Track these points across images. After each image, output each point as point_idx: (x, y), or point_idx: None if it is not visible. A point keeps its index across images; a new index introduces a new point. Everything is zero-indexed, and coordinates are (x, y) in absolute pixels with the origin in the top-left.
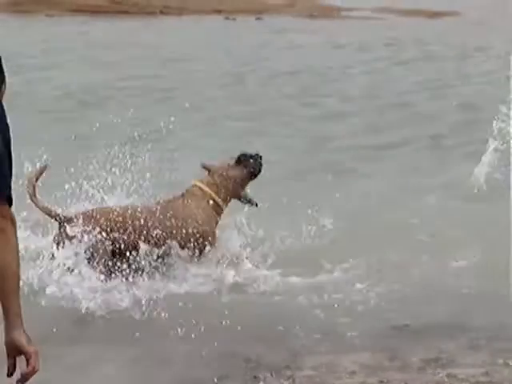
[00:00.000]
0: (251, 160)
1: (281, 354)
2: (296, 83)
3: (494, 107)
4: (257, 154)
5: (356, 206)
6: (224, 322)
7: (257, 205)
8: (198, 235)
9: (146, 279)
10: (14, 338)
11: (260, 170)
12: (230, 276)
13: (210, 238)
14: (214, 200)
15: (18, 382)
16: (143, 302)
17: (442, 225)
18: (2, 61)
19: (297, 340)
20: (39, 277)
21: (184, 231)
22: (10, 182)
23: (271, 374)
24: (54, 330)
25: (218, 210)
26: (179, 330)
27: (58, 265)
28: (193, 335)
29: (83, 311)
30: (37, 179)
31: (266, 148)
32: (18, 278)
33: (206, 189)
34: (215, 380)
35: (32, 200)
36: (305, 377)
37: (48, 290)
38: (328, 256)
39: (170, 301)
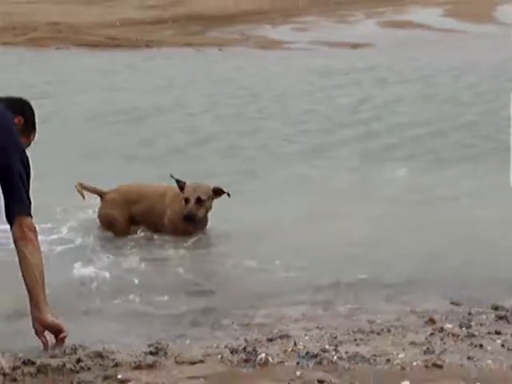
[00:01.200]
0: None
1: (240, 308)
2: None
3: None
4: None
5: None
6: (197, 285)
7: None
8: None
9: None
10: (46, 319)
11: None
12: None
13: None
14: None
15: (55, 345)
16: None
17: None
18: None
19: (252, 296)
20: None
21: None
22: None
23: (232, 322)
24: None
25: None
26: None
27: None
28: (166, 297)
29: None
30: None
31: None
32: (44, 275)
33: None
34: (188, 328)
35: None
36: (259, 324)
37: None
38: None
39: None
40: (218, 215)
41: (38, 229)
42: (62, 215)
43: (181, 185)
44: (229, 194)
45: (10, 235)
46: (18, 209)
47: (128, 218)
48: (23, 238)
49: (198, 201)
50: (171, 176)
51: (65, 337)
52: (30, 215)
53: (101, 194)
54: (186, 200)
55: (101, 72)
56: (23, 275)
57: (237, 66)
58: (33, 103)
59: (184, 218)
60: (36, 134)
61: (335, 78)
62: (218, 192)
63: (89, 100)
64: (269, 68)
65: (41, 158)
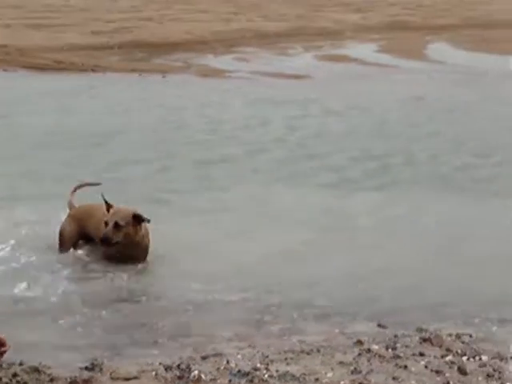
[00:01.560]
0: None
1: (175, 325)
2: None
3: None
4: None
5: None
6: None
7: None
8: None
9: None
10: None
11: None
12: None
13: None
14: None
15: None
16: None
17: None
18: None
19: (187, 315)
20: None
21: None
22: None
23: (167, 340)
24: None
25: None
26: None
27: None
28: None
29: None
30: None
31: None
32: None
33: None
34: (124, 344)
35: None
36: (193, 342)
37: None
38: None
39: None
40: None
41: None
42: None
43: (108, 207)
44: (149, 221)
45: None
46: None
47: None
48: None
49: (116, 225)
50: (102, 196)
51: (5, 351)
52: None
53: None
54: (106, 223)
55: (49, 95)
56: None
57: (178, 93)
58: None
59: (100, 240)
60: None
61: (279, 107)
62: (137, 218)
63: (39, 122)
64: (208, 95)
65: None
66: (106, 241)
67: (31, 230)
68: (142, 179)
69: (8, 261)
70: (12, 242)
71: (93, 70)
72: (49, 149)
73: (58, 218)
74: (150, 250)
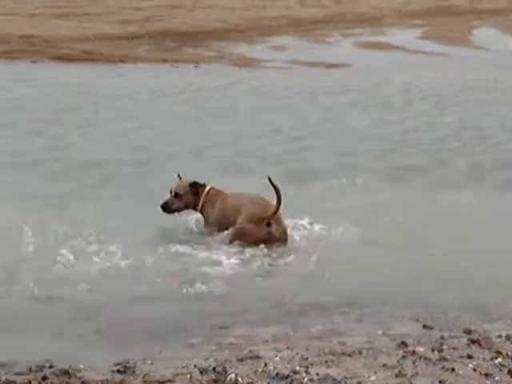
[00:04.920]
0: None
1: (211, 327)
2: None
3: None
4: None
5: None
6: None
7: None
8: None
9: None
10: None
11: None
12: None
13: None
14: None
15: None
16: None
17: None
18: None
19: (223, 316)
20: None
21: None
22: None
23: (202, 341)
24: None
25: None
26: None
27: None
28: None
29: None
30: None
31: None
32: None
33: None
34: (158, 346)
35: None
36: (229, 344)
37: None
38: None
39: None
40: None
41: None
42: None
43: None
44: (204, 187)
45: None
46: None
47: None
48: None
49: (176, 195)
50: (178, 176)
51: None
52: None
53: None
54: (170, 193)
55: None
56: None
57: (213, 83)
58: None
59: (160, 207)
60: None
61: (319, 97)
62: (193, 186)
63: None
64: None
65: None
66: (164, 207)
67: None
68: None
69: None
70: None
71: (122, 61)
72: None
73: None
74: None
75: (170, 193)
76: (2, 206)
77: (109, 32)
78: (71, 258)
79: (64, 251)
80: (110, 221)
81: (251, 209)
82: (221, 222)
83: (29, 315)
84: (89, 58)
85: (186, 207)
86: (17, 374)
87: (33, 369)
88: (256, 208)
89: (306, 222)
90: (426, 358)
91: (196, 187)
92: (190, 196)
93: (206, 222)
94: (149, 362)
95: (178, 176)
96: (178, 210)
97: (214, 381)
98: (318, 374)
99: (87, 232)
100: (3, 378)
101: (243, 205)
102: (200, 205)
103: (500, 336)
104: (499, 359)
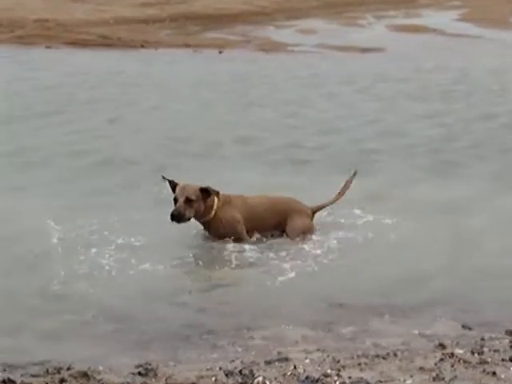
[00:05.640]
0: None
1: (237, 328)
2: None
3: None
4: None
5: None
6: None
7: None
8: None
9: None
10: None
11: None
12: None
13: None
14: None
15: None
16: None
17: None
18: None
19: (249, 316)
20: None
21: None
22: None
23: (228, 343)
24: None
25: None
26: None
27: None
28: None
29: None
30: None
31: None
32: None
33: None
34: (181, 348)
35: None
36: (256, 345)
37: None
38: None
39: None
40: None
41: None
42: None
43: (172, 186)
44: (218, 193)
45: None
46: None
47: None
48: None
49: (187, 200)
50: (163, 177)
51: None
52: None
53: None
54: (175, 200)
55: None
56: None
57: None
58: None
59: (170, 216)
60: None
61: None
62: (205, 191)
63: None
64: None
65: None
66: (176, 217)
67: None
68: None
69: None
70: None
71: (142, 46)
72: None
73: None
74: None
75: (175, 201)
76: (29, 201)
77: (128, 15)
78: (94, 256)
79: (87, 250)
80: (137, 217)
81: (300, 206)
82: (252, 222)
83: (47, 314)
84: (107, 43)
85: (195, 216)
86: (33, 376)
87: (50, 371)
88: (302, 204)
89: (358, 212)
90: (465, 361)
91: (208, 192)
92: (201, 202)
93: (219, 229)
94: (172, 364)
95: (163, 178)
96: (190, 219)
97: None
98: (350, 378)
99: (112, 229)
100: (19, 381)
101: (288, 203)
102: (213, 212)
103: None
104: None
